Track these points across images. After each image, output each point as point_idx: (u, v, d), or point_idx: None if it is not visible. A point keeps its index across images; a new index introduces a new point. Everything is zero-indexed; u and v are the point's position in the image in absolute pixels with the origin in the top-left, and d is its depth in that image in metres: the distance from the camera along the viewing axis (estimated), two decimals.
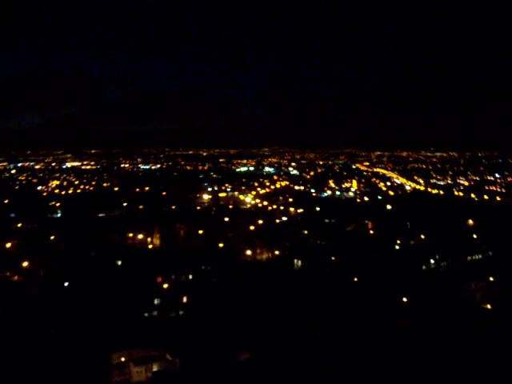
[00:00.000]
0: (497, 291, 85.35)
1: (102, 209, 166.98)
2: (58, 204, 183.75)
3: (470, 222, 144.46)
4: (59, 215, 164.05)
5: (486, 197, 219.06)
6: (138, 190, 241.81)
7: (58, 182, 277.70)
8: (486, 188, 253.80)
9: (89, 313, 74.80)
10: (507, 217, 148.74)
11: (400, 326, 70.98)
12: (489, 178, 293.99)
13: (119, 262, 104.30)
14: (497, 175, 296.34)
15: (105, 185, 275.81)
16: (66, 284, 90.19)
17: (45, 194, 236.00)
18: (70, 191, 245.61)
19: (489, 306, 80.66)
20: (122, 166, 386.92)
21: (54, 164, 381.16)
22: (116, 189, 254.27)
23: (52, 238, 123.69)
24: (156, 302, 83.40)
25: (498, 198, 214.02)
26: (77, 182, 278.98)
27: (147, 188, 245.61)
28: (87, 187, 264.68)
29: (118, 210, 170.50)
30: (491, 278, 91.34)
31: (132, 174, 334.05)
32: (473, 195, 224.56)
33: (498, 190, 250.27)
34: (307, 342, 64.81)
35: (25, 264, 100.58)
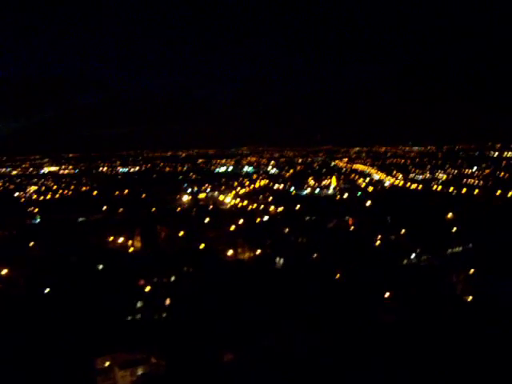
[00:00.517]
0: (477, 283, 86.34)
1: (82, 213, 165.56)
2: (36, 210, 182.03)
3: (450, 215, 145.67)
4: (38, 221, 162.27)
5: (464, 190, 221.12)
6: (117, 193, 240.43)
7: (35, 188, 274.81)
8: (464, 181, 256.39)
9: (71, 319, 74.09)
10: (485, 209, 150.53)
11: (385, 320, 71.51)
12: (466, 171, 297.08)
13: (100, 267, 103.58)
14: (474, 168, 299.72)
15: (83, 189, 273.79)
16: (47, 291, 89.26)
17: (23, 200, 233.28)
18: (49, 196, 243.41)
19: (469, 298, 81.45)
20: (101, 169, 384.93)
21: (31, 169, 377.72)
22: (95, 193, 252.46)
23: (31, 244, 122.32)
24: (139, 305, 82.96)
25: (476, 191, 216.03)
26: (55, 187, 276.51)
27: (127, 191, 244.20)
28: (66, 192, 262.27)
29: (97, 214, 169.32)
30: (472, 271, 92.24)
31: (111, 178, 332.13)
32: (451, 189, 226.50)
33: (476, 182, 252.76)
34: (292, 342, 64.85)
35: (3, 272, 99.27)
